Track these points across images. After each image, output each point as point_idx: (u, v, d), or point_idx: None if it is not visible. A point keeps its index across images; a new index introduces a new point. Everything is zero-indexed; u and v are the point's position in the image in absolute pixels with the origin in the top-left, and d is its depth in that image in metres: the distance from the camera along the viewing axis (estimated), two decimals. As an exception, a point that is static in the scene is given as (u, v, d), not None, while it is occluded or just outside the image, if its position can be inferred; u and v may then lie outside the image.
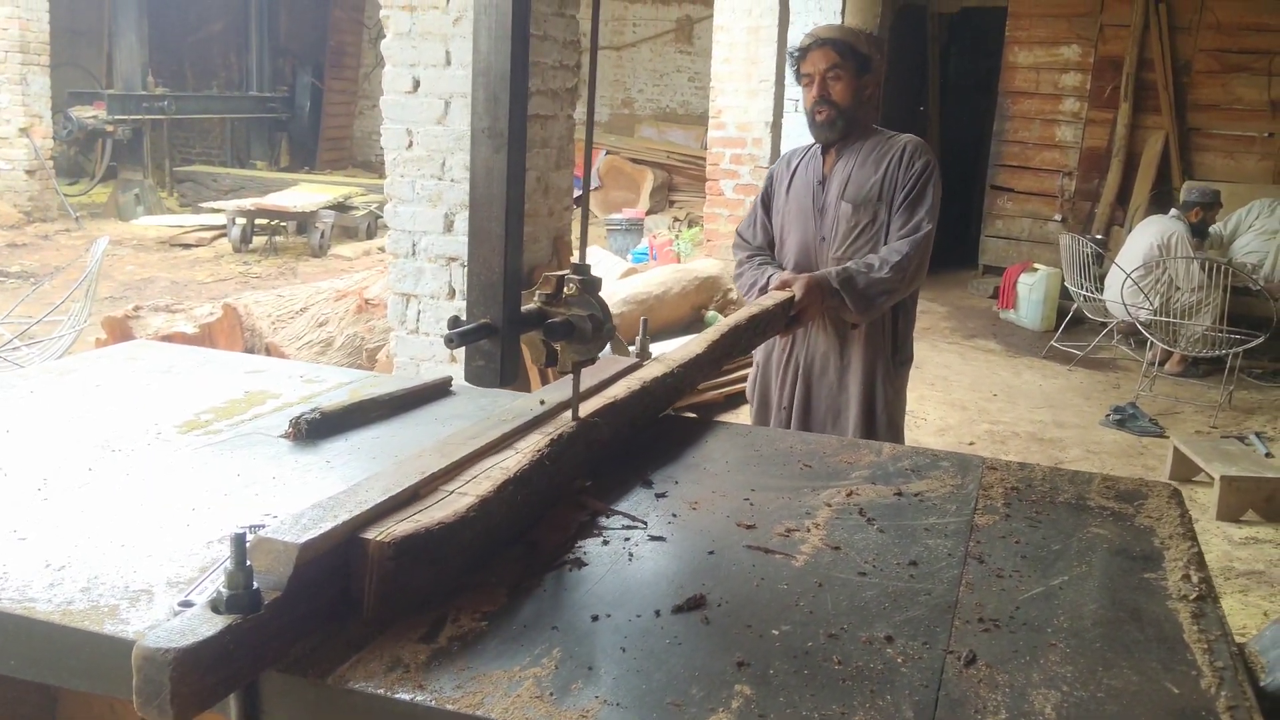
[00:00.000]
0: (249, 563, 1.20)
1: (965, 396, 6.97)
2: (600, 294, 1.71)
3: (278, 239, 11.19)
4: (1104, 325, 7.94)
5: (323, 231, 10.87)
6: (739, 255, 3.43)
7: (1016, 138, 10.46)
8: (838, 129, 3.13)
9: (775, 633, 1.35)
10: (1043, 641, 1.36)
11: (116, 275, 9.44)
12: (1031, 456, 5.78)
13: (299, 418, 1.97)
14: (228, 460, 1.84)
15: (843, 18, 9.12)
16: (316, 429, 1.97)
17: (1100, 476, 2.00)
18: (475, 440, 1.64)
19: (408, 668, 1.23)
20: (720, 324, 2.58)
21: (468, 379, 1.59)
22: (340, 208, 11.43)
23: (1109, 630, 1.40)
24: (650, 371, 2.14)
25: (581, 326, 1.67)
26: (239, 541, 1.19)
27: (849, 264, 3.06)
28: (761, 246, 3.38)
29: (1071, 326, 8.30)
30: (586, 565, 1.51)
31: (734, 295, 7.36)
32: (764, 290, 3.10)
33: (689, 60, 14.79)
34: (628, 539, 1.61)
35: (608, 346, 2.35)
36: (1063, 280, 8.41)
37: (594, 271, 1.73)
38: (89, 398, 2.17)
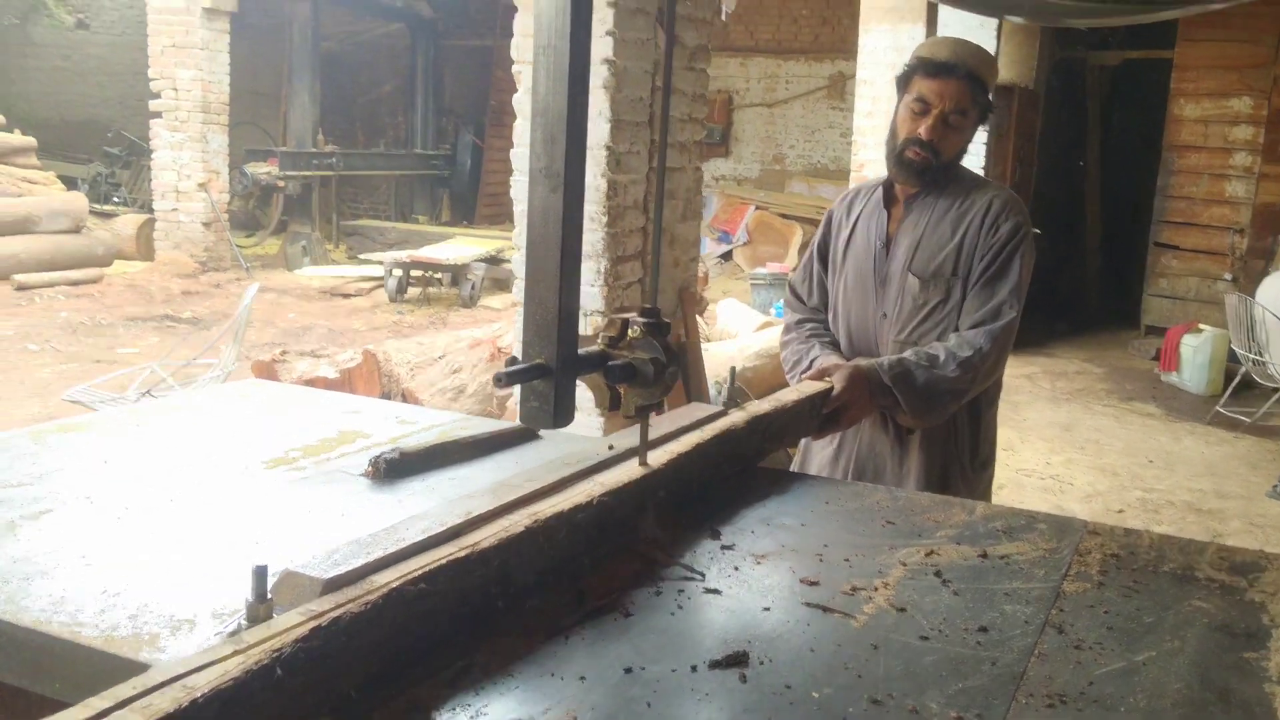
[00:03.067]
0: (270, 596, 1.20)
1: (1118, 461, 6.62)
2: (667, 338, 1.68)
3: (431, 290, 11.54)
4: (1276, 390, 7.46)
5: (474, 283, 11.17)
6: (788, 318, 2.86)
7: (1183, 193, 9.99)
8: (926, 179, 2.59)
9: (815, 695, 1.27)
10: (1112, 721, 1.24)
11: (278, 322, 9.89)
12: (1187, 528, 5.43)
13: (378, 457, 1.98)
14: (304, 496, 1.87)
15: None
16: (395, 469, 1.98)
17: (1215, 546, 1.85)
18: (531, 484, 1.62)
19: (425, 710, 1.20)
20: (704, 430, 1.99)
21: (521, 419, 1.57)
22: (492, 260, 11.72)
23: (1190, 712, 1.27)
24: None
25: (643, 369, 1.64)
26: (260, 574, 1.20)
27: (906, 354, 2.48)
28: (818, 308, 2.82)
29: (1240, 391, 7.82)
30: (632, 615, 1.46)
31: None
32: (806, 372, 2.58)
33: (841, 116, 14.70)
34: (681, 590, 1.55)
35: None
36: (1230, 342, 7.96)
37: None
38: (190, 432, 2.25)
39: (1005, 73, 9.35)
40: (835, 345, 2.73)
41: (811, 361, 2.61)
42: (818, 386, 2.38)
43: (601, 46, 4.10)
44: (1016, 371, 8.90)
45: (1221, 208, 9.79)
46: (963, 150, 2.64)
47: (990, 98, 2.62)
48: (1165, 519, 5.60)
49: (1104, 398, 8.33)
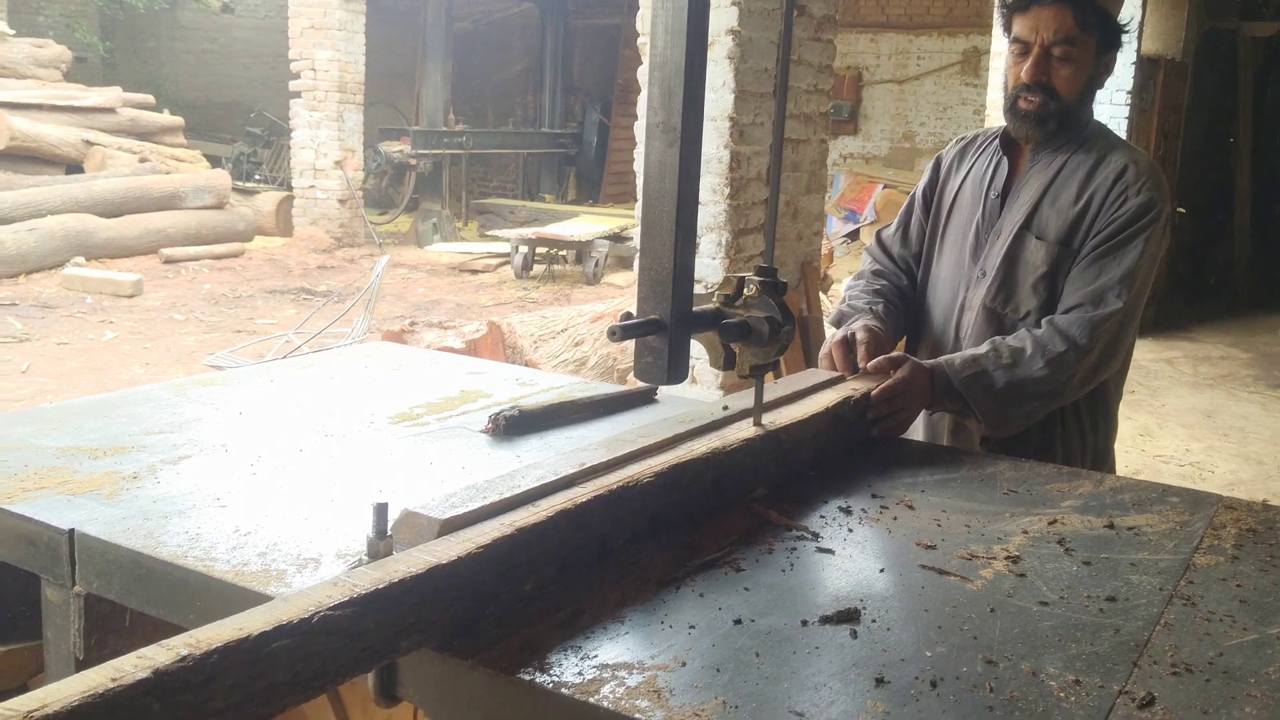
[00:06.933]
0: (390, 534, 1.24)
1: (1263, 450, 6.33)
2: (783, 297, 1.67)
3: (556, 267, 11.68)
4: None
5: (597, 260, 11.26)
6: (867, 266, 2.53)
7: (1341, 170, 9.46)
8: (1048, 128, 2.18)
9: (928, 654, 1.25)
10: (1240, 692, 1.19)
11: (408, 297, 10.13)
12: (1337, 519, 5.16)
13: (498, 414, 2.02)
14: (426, 449, 1.92)
15: (1140, 42, 8.57)
16: (514, 426, 2.01)
17: (1362, 524, 1.75)
18: (645, 439, 1.63)
19: (536, 649, 1.22)
20: (822, 394, 1.93)
21: (636, 375, 1.58)
22: (616, 238, 11.80)
23: (1327, 688, 1.21)
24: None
25: (758, 328, 1.63)
26: (381, 512, 1.23)
27: (982, 350, 2.12)
28: (900, 260, 2.48)
29: (1399, 379, 7.39)
30: (743, 570, 1.46)
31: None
32: (844, 344, 2.18)
33: (974, 93, 14.33)
34: (793, 549, 1.55)
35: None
36: (1390, 327, 7.52)
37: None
38: (320, 389, 2.32)
39: (1151, 44, 8.97)
40: (894, 316, 2.37)
41: (857, 329, 2.20)
42: (836, 394, 2.01)
43: (726, 17, 4.08)
44: (1156, 355, 8.57)
45: (1384, 186, 9.25)
46: (1089, 88, 2.21)
47: (1114, 18, 2.18)
48: (1313, 510, 5.33)
49: (1250, 384, 7.96)
